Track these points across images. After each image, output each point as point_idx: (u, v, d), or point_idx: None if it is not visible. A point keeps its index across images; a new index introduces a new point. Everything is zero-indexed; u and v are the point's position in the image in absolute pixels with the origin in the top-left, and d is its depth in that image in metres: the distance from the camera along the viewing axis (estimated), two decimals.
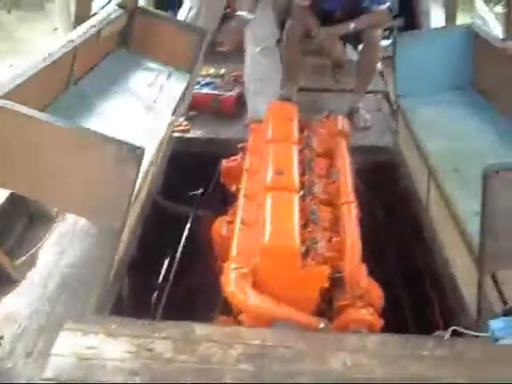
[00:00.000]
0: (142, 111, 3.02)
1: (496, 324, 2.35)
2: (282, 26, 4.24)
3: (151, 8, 3.36)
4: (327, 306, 2.45)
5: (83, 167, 2.20)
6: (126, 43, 3.47)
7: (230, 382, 1.92)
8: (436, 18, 4.96)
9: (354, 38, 4.18)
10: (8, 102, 2.12)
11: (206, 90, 4.26)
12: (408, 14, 5.18)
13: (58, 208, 2.57)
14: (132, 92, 3.14)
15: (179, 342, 2.08)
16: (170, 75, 3.31)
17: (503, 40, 3.25)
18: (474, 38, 3.52)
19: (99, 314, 2.32)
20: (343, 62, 4.37)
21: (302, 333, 2.20)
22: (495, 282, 2.70)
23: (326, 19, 4.07)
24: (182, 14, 3.86)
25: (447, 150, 2.93)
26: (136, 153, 2.14)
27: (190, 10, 3.72)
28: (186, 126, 3.95)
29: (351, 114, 4.20)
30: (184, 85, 3.34)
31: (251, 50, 3.78)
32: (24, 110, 2.12)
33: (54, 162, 2.20)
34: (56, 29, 5.23)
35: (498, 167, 1.98)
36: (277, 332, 2.18)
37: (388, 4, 4.04)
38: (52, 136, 2.16)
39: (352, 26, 3.96)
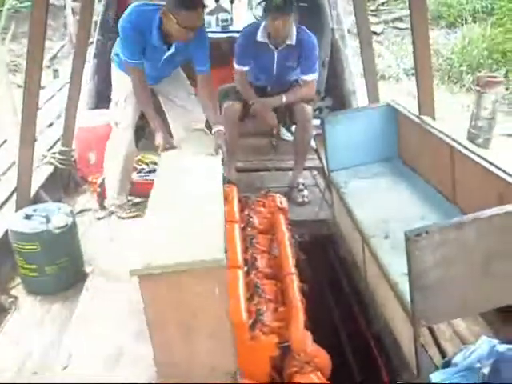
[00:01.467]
0: None
1: (437, 377, 2.51)
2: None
3: None
4: (279, 375, 2.57)
5: None
6: None
7: None
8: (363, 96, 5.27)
9: (289, 118, 4.40)
10: None
11: (150, 177, 4.38)
12: (336, 95, 5.53)
13: None
14: None
15: None
16: None
17: (419, 115, 3.53)
18: (395, 113, 3.82)
19: None
20: (275, 126, 4.59)
21: None
22: (433, 335, 2.89)
23: (259, 95, 4.34)
24: (112, 108, 3.94)
25: (377, 218, 3.13)
26: None
27: (116, 104, 3.84)
28: (135, 212, 4.01)
29: (291, 190, 4.43)
30: None
31: (183, 134, 3.93)
32: None
33: None
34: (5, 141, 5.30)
35: (418, 231, 2.18)
36: None
37: (316, 74, 4.33)
38: None
39: (284, 98, 4.22)
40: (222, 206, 2.61)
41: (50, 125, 5.68)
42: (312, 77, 4.30)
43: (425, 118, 3.44)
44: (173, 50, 3.51)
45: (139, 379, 2.45)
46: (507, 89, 10.04)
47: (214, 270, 2.17)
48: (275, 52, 4.24)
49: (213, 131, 3.58)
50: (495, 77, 4.90)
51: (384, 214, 3.16)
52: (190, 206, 2.64)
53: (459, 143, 3.02)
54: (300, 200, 4.37)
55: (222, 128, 3.57)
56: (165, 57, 3.56)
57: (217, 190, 2.78)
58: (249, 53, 4.28)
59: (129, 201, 4.12)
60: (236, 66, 4.31)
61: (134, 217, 3.98)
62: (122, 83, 3.76)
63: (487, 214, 2.21)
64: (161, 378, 2.36)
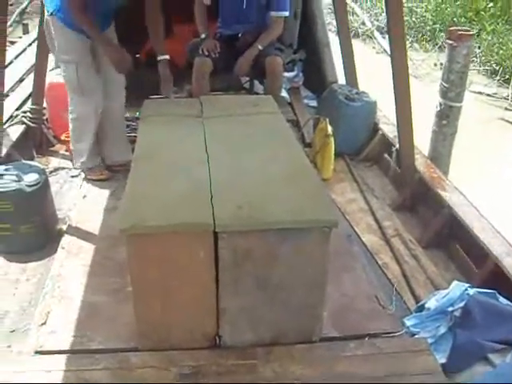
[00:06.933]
0: None
1: (410, 321, 2.57)
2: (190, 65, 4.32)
3: None
4: None
5: None
6: None
7: None
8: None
9: (260, 70, 4.24)
10: None
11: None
12: (309, 47, 5.37)
13: None
14: None
15: (117, 371, 2.20)
16: None
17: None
18: None
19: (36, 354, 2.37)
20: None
21: (232, 350, 2.33)
22: (407, 281, 2.93)
23: (229, 47, 4.21)
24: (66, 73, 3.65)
25: None
26: None
27: (72, 68, 3.55)
28: (105, 175, 3.90)
29: None
30: None
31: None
32: None
33: None
34: None
35: None
36: (207, 352, 2.32)
37: (287, 12, 4.20)
38: None
39: (259, 46, 4.06)
40: (207, 166, 2.54)
41: (21, 80, 5.47)
42: (284, 14, 4.18)
43: None
44: None
45: (118, 337, 2.44)
46: (479, 47, 10.06)
47: (200, 234, 2.16)
48: None
49: (158, 58, 3.60)
50: (467, 30, 4.81)
51: None
52: (176, 163, 2.60)
53: None
54: None
55: (167, 57, 3.59)
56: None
57: (202, 149, 2.72)
58: None
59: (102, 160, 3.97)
60: None
61: (103, 180, 3.87)
62: (75, 45, 3.52)
63: None
64: (140, 335, 2.36)
